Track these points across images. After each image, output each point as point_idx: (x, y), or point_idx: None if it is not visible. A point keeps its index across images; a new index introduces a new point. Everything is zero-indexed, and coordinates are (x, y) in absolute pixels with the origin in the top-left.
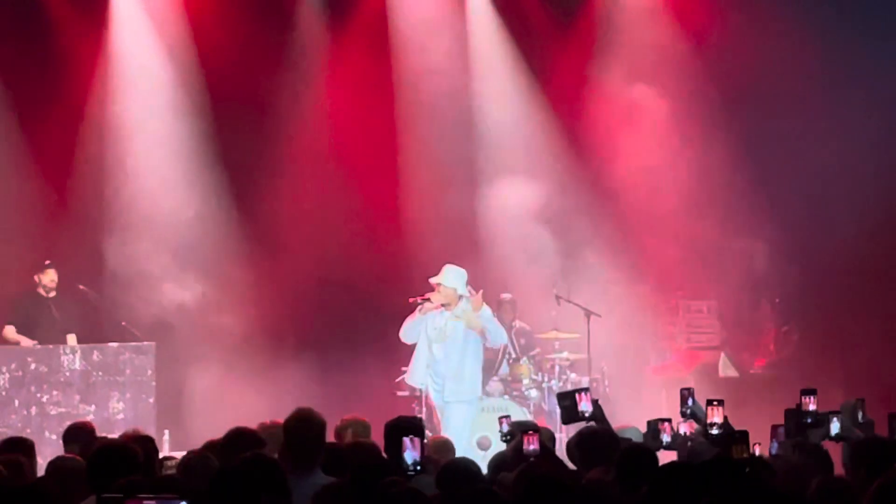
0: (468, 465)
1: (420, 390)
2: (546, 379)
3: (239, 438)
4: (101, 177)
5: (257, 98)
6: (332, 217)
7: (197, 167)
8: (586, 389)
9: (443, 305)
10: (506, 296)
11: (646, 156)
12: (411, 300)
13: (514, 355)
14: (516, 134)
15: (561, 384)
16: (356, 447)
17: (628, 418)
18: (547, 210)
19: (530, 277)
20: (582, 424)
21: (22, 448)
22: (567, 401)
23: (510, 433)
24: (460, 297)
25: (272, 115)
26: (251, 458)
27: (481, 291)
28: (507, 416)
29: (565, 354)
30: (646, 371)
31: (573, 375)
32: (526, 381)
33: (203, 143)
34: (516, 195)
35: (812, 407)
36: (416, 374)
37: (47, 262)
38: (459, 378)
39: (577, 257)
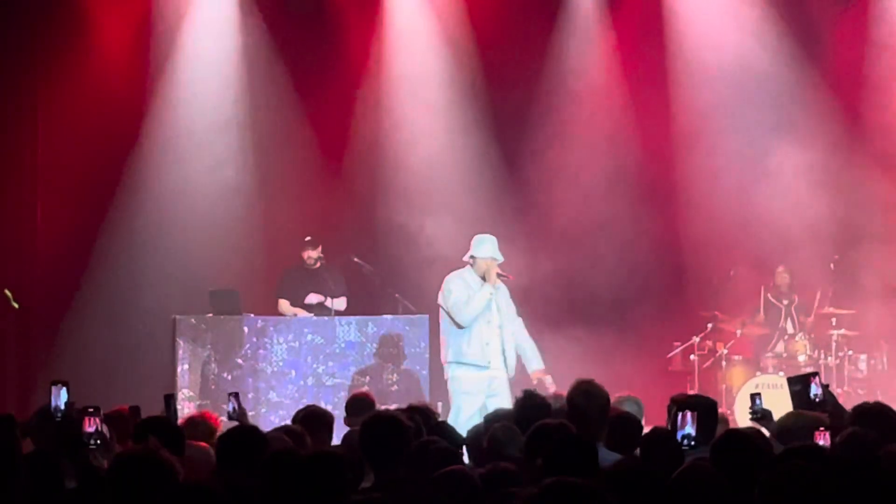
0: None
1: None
2: (822, 356)
3: (529, 403)
4: (377, 150)
5: (527, 77)
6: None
7: (471, 142)
8: (816, 374)
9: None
10: (781, 269)
11: None
12: None
13: (789, 332)
14: (791, 93)
15: (837, 361)
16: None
17: None
18: (823, 176)
19: (807, 250)
20: None
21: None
22: (798, 385)
23: (759, 411)
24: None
25: (543, 94)
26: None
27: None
28: (759, 395)
29: (842, 331)
30: None
31: (850, 352)
32: (802, 358)
33: (477, 118)
34: (792, 163)
35: None
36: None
37: (307, 238)
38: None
39: (853, 228)
